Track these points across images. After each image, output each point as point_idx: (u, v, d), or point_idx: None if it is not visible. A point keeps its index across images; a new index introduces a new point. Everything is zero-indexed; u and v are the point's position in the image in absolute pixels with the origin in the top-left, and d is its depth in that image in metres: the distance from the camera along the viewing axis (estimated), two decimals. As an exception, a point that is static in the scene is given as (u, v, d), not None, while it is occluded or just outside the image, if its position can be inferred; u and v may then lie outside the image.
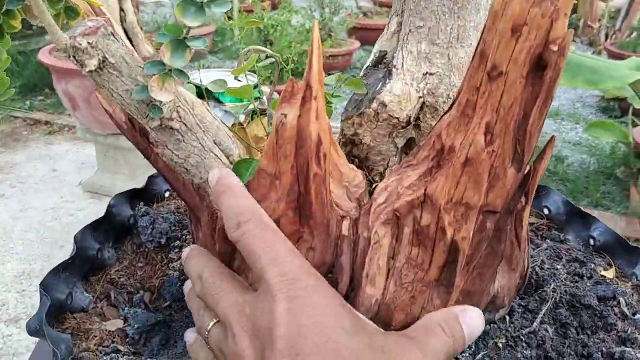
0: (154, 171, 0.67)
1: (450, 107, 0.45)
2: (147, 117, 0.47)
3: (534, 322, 0.58)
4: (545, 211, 0.76)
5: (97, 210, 2.29)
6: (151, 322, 0.59)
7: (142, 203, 0.73)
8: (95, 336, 0.57)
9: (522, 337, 0.57)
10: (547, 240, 0.72)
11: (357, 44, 4.69)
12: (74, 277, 0.61)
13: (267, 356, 0.37)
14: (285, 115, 0.42)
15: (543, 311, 0.60)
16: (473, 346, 0.55)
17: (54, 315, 0.56)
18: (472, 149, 0.42)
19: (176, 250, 0.69)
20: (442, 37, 0.53)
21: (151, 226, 0.69)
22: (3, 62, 0.54)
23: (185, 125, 0.49)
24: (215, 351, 0.44)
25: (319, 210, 0.45)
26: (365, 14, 5.51)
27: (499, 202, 0.44)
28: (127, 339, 0.58)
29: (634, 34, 4.10)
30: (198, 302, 0.48)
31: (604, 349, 0.55)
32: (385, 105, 0.53)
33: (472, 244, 0.45)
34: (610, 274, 0.65)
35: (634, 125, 2.71)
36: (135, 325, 0.58)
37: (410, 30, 0.53)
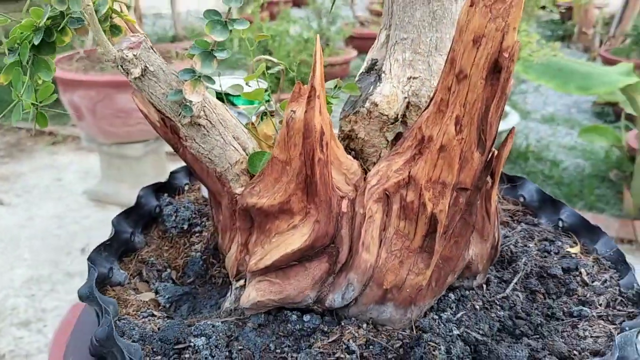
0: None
1: (429, 105, 0.56)
2: (179, 115, 0.58)
3: (507, 289, 0.68)
4: (521, 199, 0.86)
5: (101, 218, 2.35)
6: (179, 293, 0.69)
7: (165, 194, 0.83)
8: (133, 304, 0.67)
9: (496, 301, 0.67)
10: (522, 224, 0.82)
11: (354, 52, 4.77)
12: (112, 256, 0.71)
13: None
14: (295, 112, 0.52)
15: (515, 280, 0.70)
16: (454, 307, 0.64)
17: (99, 286, 0.66)
18: (445, 137, 0.52)
19: (197, 234, 0.79)
20: (423, 47, 0.63)
21: (175, 214, 0.79)
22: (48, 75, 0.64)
23: (210, 122, 0.60)
24: None
25: (322, 189, 0.55)
26: (362, 24, 5.63)
27: (468, 181, 0.54)
28: (160, 307, 0.68)
29: (628, 40, 4.20)
30: None
31: (565, 309, 0.65)
32: (377, 105, 0.63)
33: (448, 216, 0.55)
34: (575, 250, 0.75)
35: (627, 129, 2.80)
36: (167, 296, 0.68)
37: (396, 41, 0.64)
